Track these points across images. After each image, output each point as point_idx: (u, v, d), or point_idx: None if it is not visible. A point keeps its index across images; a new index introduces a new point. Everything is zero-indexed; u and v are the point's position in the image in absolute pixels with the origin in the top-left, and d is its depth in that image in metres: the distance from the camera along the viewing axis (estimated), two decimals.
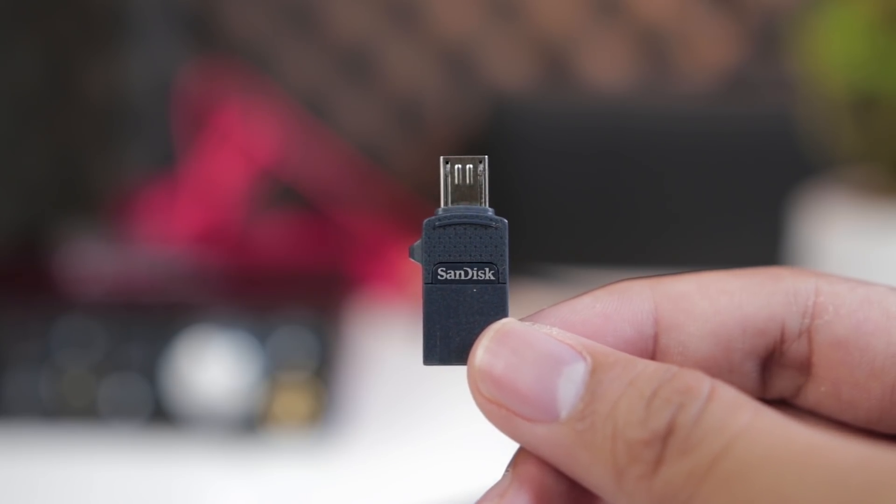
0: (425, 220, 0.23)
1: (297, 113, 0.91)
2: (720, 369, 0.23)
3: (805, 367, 0.23)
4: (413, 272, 0.81)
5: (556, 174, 0.89)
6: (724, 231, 0.88)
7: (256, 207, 0.89)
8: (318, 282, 0.68)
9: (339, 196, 0.89)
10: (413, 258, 0.23)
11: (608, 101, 0.92)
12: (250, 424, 0.58)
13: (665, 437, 0.19)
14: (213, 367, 0.58)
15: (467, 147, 0.94)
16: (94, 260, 0.70)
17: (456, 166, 0.23)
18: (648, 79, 0.92)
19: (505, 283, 0.23)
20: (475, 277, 0.23)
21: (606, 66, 0.92)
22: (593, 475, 0.20)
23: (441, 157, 0.23)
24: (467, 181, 0.23)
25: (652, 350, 0.23)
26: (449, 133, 0.94)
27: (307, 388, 0.58)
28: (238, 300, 0.61)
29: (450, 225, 0.23)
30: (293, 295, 0.63)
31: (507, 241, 0.23)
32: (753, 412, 0.19)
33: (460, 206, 0.23)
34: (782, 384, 0.24)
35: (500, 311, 0.23)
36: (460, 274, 0.23)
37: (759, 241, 0.84)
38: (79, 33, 0.89)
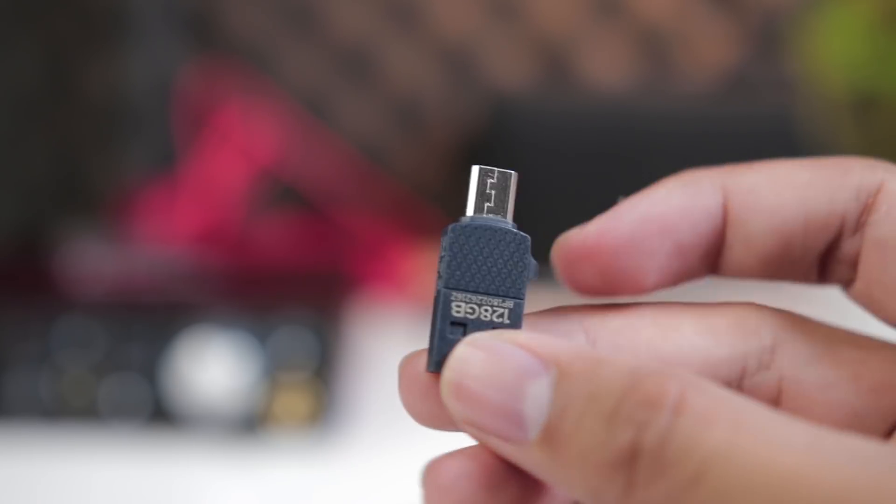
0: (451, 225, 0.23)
1: (297, 113, 0.91)
2: (781, 263, 0.23)
3: (856, 264, 0.23)
4: (414, 272, 0.81)
5: (556, 174, 0.89)
6: None
7: (256, 207, 0.89)
8: (318, 282, 0.68)
9: (339, 196, 0.89)
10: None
11: (608, 101, 0.92)
12: (250, 424, 0.58)
13: (630, 459, 0.18)
14: (213, 367, 0.58)
15: (467, 147, 0.94)
16: (94, 260, 0.70)
17: (488, 178, 0.23)
18: (648, 79, 0.92)
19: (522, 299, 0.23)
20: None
21: (606, 66, 0.92)
22: (573, 492, 0.19)
23: (474, 167, 0.23)
24: (495, 192, 0.23)
25: (720, 243, 0.23)
26: (449, 133, 0.94)
27: (307, 388, 0.58)
28: (238, 300, 0.61)
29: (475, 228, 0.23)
30: (293, 295, 0.63)
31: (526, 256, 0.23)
32: (729, 427, 0.18)
33: (486, 216, 0.23)
34: (839, 275, 0.23)
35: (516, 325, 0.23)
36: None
37: None
38: (79, 33, 0.89)
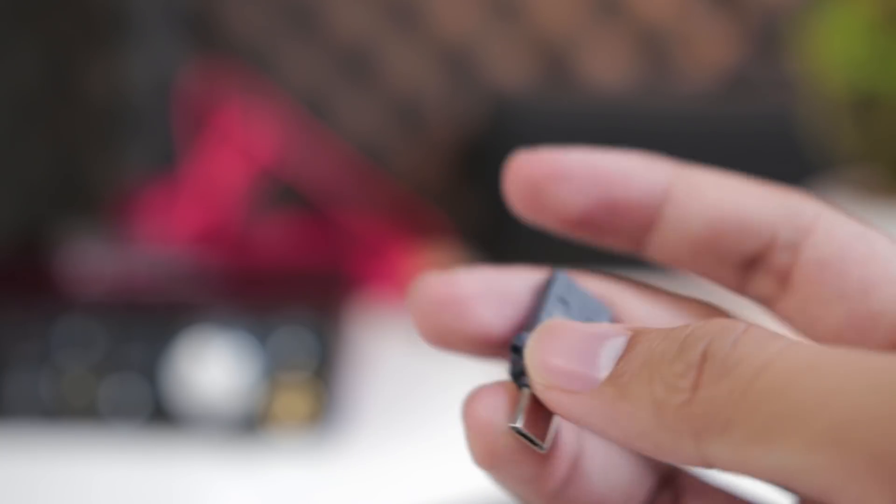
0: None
1: (297, 113, 0.91)
2: (708, 256, 0.25)
3: (784, 279, 0.24)
4: (414, 272, 0.81)
5: None
6: None
7: (256, 207, 0.89)
8: (318, 282, 0.68)
9: (339, 196, 0.90)
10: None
11: (608, 101, 0.92)
12: (250, 424, 0.58)
13: (700, 364, 0.20)
14: (213, 367, 0.58)
15: (468, 147, 0.94)
16: (94, 260, 0.70)
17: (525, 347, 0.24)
18: (648, 79, 0.92)
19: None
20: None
21: (606, 66, 0.92)
22: (635, 422, 0.20)
23: (510, 427, 0.23)
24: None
25: (653, 221, 0.25)
26: (449, 133, 0.94)
27: (307, 388, 0.58)
28: (238, 300, 0.61)
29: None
30: (293, 295, 0.63)
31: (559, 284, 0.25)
32: (791, 340, 0.19)
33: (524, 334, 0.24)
34: (759, 288, 0.25)
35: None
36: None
37: None
38: (79, 33, 0.89)
